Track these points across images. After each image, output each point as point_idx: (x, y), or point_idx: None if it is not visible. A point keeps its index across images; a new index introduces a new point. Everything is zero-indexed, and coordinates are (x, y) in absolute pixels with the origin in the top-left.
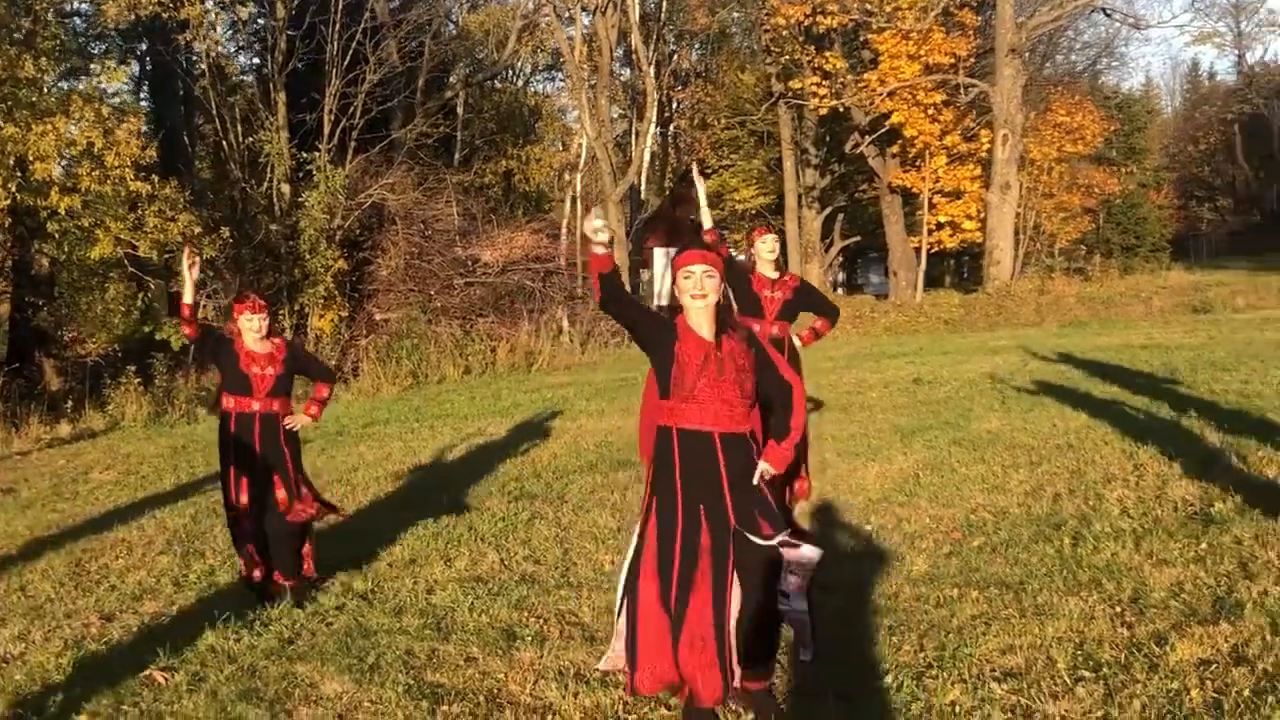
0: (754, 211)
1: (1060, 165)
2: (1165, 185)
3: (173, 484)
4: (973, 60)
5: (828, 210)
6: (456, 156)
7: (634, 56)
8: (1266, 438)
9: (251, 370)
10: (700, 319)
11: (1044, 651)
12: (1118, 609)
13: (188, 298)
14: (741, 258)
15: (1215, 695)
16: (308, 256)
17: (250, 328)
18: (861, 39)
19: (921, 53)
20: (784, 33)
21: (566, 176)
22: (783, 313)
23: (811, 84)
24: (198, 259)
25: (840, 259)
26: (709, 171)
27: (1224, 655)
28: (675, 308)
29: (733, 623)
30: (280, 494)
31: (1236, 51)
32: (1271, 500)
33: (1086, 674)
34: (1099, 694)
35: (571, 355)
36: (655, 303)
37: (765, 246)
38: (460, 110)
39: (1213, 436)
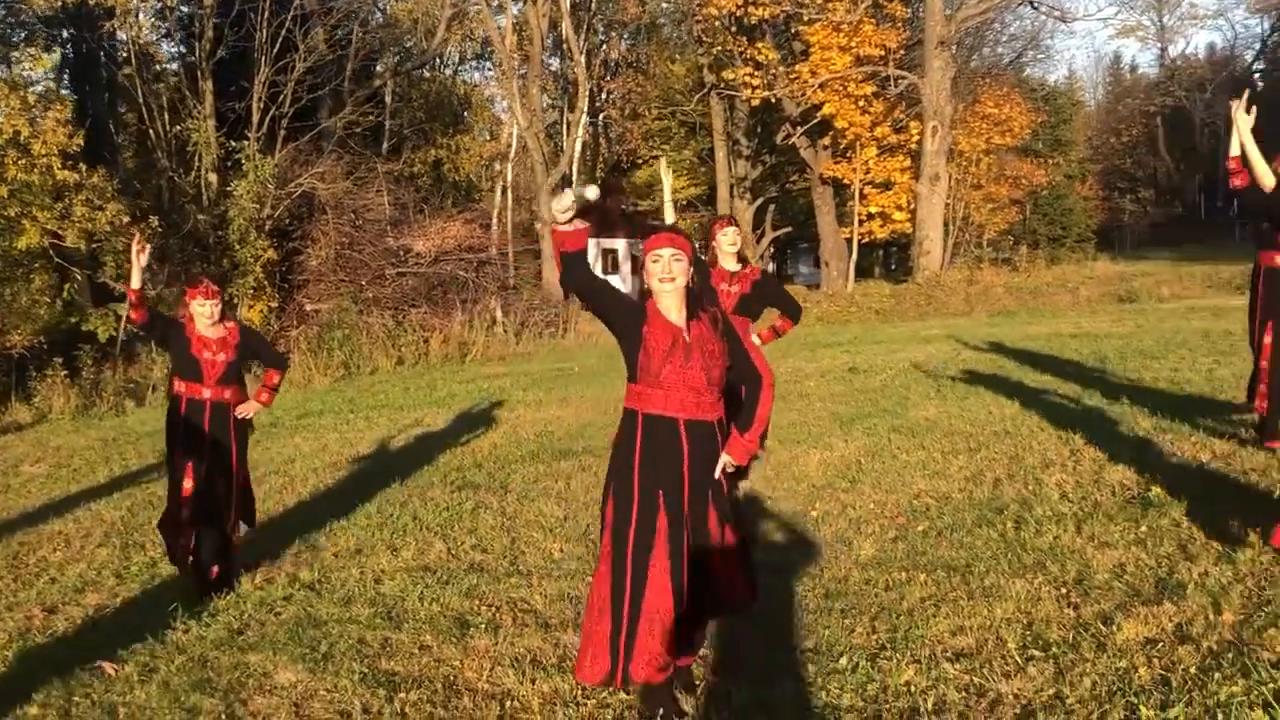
0: (685, 202)
1: (988, 157)
2: (1089, 177)
3: (106, 476)
4: (902, 52)
5: (759, 201)
6: (385, 145)
7: (565, 45)
8: (1198, 424)
9: (203, 355)
10: (669, 303)
11: (993, 632)
12: (1063, 590)
13: (135, 283)
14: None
15: (1163, 673)
16: (237, 246)
17: (203, 313)
18: (793, 30)
19: (852, 44)
20: (716, 23)
21: (497, 166)
22: (740, 307)
23: (744, 75)
24: (146, 245)
25: (771, 249)
26: (639, 162)
27: (1169, 634)
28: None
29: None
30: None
31: (1159, 45)
32: (1207, 484)
33: (1036, 653)
34: (1050, 672)
35: (506, 346)
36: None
37: (726, 239)
38: (389, 99)
39: (1145, 422)
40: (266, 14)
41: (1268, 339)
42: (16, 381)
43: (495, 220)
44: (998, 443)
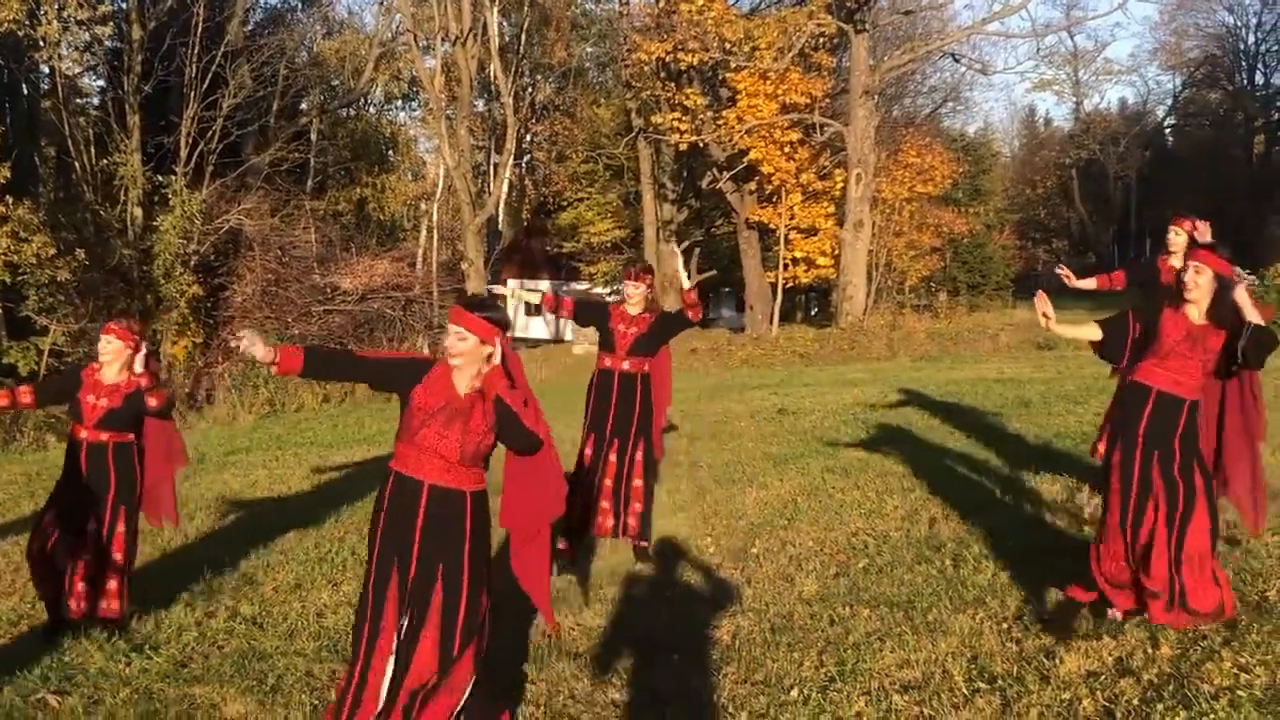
0: (608, 244)
1: (911, 205)
2: (1006, 226)
3: (31, 510)
4: (828, 100)
5: (685, 244)
6: (310, 183)
7: (493, 87)
8: None
9: (85, 399)
10: (458, 377)
11: (939, 665)
12: (1004, 625)
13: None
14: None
15: (1106, 704)
16: (162, 281)
17: (106, 349)
18: (720, 77)
19: (779, 92)
20: (644, 69)
21: (423, 206)
22: (635, 347)
23: (672, 119)
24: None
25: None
26: (564, 205)
27: (1110, 668)
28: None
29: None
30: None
31: (1074, 99)
32: None
33: (983, 685)
34: (997, 704)
35: None
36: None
37: (635, 293)
38: (314, 137)
39: (1072, 465)
40: (197, 49)
41: None
42: None
43: (420, 259)
44: (931, 483)
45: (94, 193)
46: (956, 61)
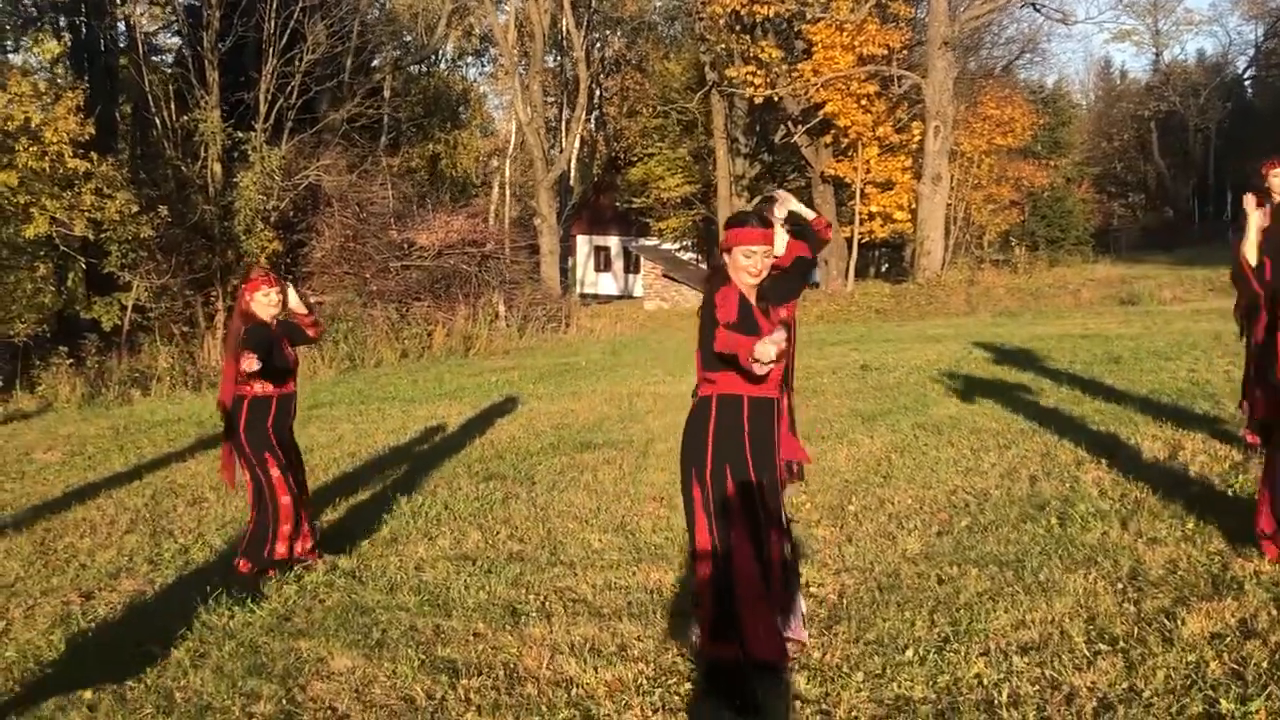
0: (678, 199)
1: (989, 158)
2: (1085, 180)
3: (122, 465)
4: (906, 52)
5: (757, 200)
6: (384, 139)
7: (565, 41)
8: (1220, 424)
9: (288, 352)
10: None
11: (1056, 626)
12: (1119, 585)
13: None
14: None
15: (1234, 667)
16: (243, 237)
17: (267, 303)
18: (796, 29)
19: (855, 44)
20: (719, 21)
21: (494, 162)
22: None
23: (747, 73)
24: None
25: None
26: (634, 160)
27: (1234, 629)
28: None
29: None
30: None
31: (1154, 49)
32: (1245, 480)
33: (1104, 647)
34: (1120, 666)
35: (509, 340)
36: (578, 290)
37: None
38: (387, 94)
39: (1171, 420)
40: (275, 4)
41: None
42: (20, 370)
43: (492, 216)
44: (1026, 440)
45: (175, 149)
46: (1037, 11)
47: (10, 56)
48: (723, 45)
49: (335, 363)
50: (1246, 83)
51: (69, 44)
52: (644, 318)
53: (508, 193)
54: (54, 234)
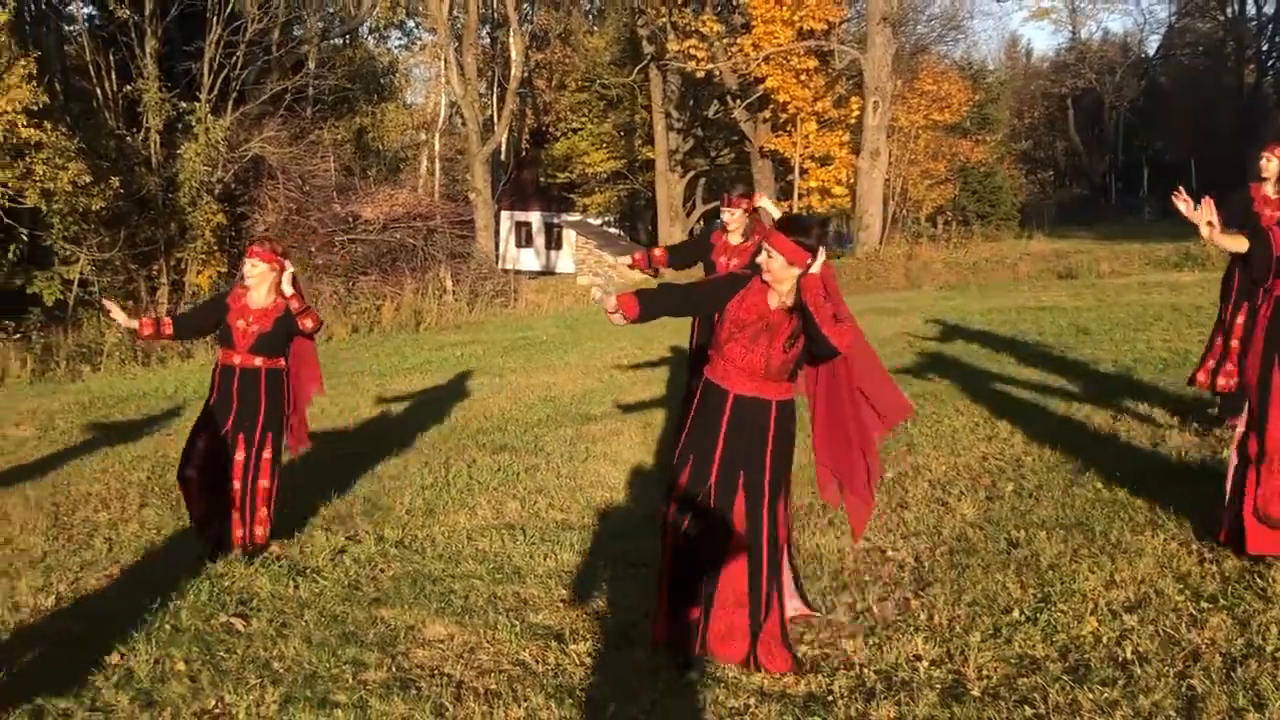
0: (605, 175)
1: (926, 133)
2: (1009, 156)
3: (104, 440)
4: (845, 27)
5: (689, 175)
6: (310, 111)
7: (498, 15)
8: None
9: (236, 324)
10: (771, 294)
11: (1150, 586)
12: (1192, 546)
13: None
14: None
15: None
16: (187, 209)
17: (253, 273)
18: (735, 2)
19: (796, 18)
20: None
21: (422, 135)
22: None
23: (689, 46)
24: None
25: (700, 223)
26: (559, 135)
27: None
28: None
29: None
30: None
31: (1070, 27)
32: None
33: (1205, 605)
34: (1230, 623)
35: (459, 315)
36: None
37: (734, 220)
38: (312, 65)
39: (1171, 389)
40: None
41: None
42: None
43: (421, 189)
44: (1034, 409)
45: (115, 120)
46: None
47: None
48: (662, 19)
49: None
50: (1157, 62)
51: (13, 12)
52: (581, 292)
53: (437, 166)
54: (2, 204)
